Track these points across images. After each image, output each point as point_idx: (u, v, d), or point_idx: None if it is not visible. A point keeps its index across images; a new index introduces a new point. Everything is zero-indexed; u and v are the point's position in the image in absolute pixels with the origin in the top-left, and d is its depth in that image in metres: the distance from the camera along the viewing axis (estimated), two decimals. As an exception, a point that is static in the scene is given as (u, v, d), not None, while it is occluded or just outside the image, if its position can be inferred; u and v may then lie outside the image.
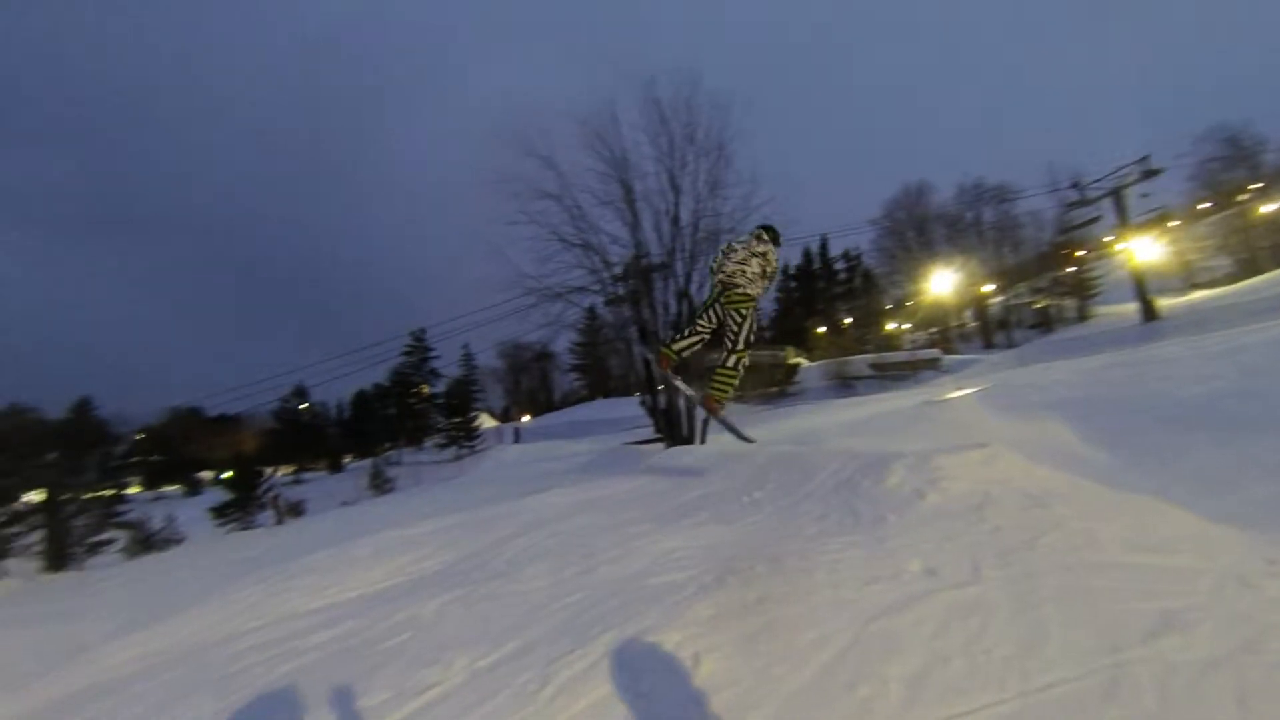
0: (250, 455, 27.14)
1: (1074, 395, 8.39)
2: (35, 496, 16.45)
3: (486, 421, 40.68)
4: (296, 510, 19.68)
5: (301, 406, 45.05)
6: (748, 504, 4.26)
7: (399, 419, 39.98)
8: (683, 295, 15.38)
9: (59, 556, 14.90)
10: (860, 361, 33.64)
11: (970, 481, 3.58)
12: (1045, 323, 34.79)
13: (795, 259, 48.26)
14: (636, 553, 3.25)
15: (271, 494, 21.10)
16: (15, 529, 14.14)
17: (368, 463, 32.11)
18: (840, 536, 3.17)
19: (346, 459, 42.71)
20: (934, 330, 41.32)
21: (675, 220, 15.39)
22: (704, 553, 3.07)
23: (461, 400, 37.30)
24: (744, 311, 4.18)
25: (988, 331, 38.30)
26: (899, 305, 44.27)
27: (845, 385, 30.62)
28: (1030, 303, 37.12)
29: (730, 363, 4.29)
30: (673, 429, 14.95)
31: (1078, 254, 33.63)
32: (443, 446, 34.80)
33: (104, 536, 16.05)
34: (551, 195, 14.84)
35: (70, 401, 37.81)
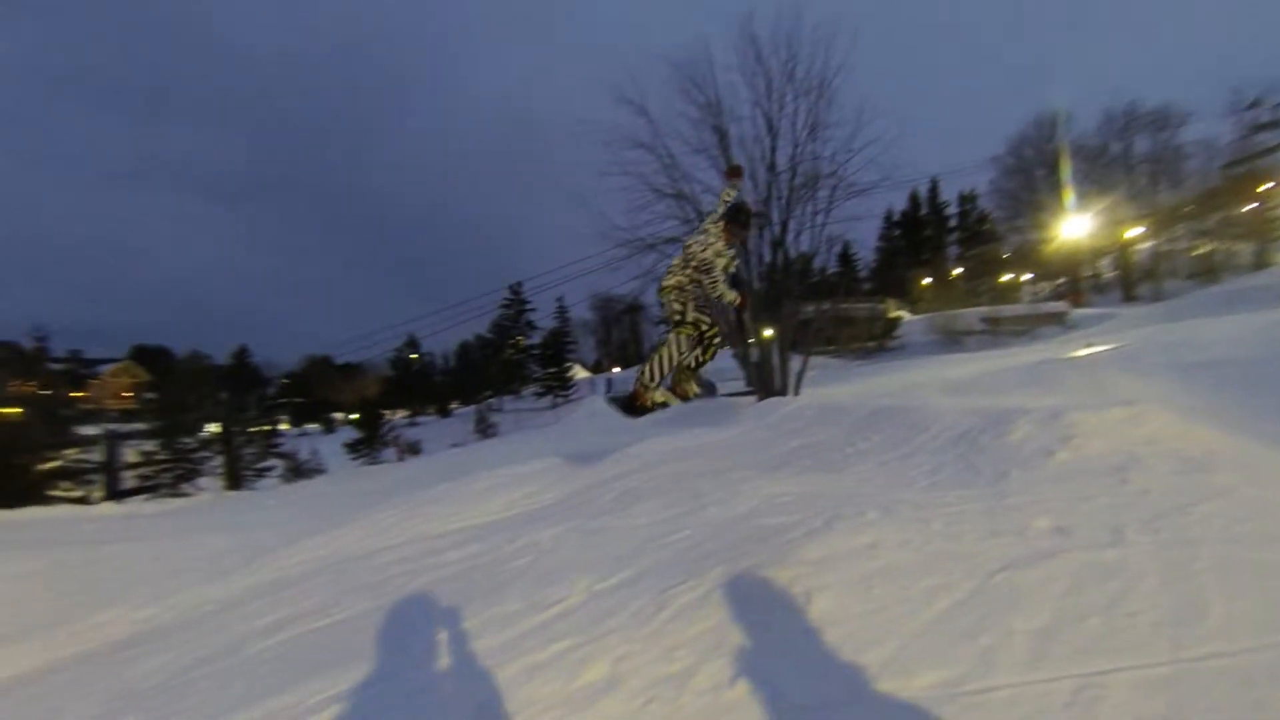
0: (373, 399, 30.20)
1: (1243, 355, 7.27)
2: (213, 428, 19.49)
3: (579, 373, 42.26)
4: (414, 449, 21.82)
5: (413, 356, 49.13)
6: (852, 455, 4.17)
7: (499, 369, 42.46)
8: (778, 245, 14.82)
9: (234, 478, 17.73)
10: (971, 315, 30.93)
11: (1110, 440, 3.27)
12: (1208, 271, 29.82)
13: (900, 204, 44.65)
14: (741, 496, 3.31)
15: (393, 434, 23.56)
16: (203, 454, 16.92)
17: (472, 409, 34.70)
18: (957, 490, 3.05)
19: (453, 405, 46.33)
20: (1062, 281, 36.88)
21: (771, 166, 14.67)
22: (810, 499, 3.07)
23: (556, 351, 38.86)
24: (663, 301, 4.00)
25: (1130, 282, 33.55)
26: (1020, 253, 39.82)
27: (952, 341, 28.40)
28: (1189, 248, 31.89)
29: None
30: (765, 381, 14.75)
31: (1261, 188, 28.16)
32: (539, 395, 36.71)
33: (266, 464, 18.79)
34: (643, 144, 14.59)
35: (231, 349, 43.81)
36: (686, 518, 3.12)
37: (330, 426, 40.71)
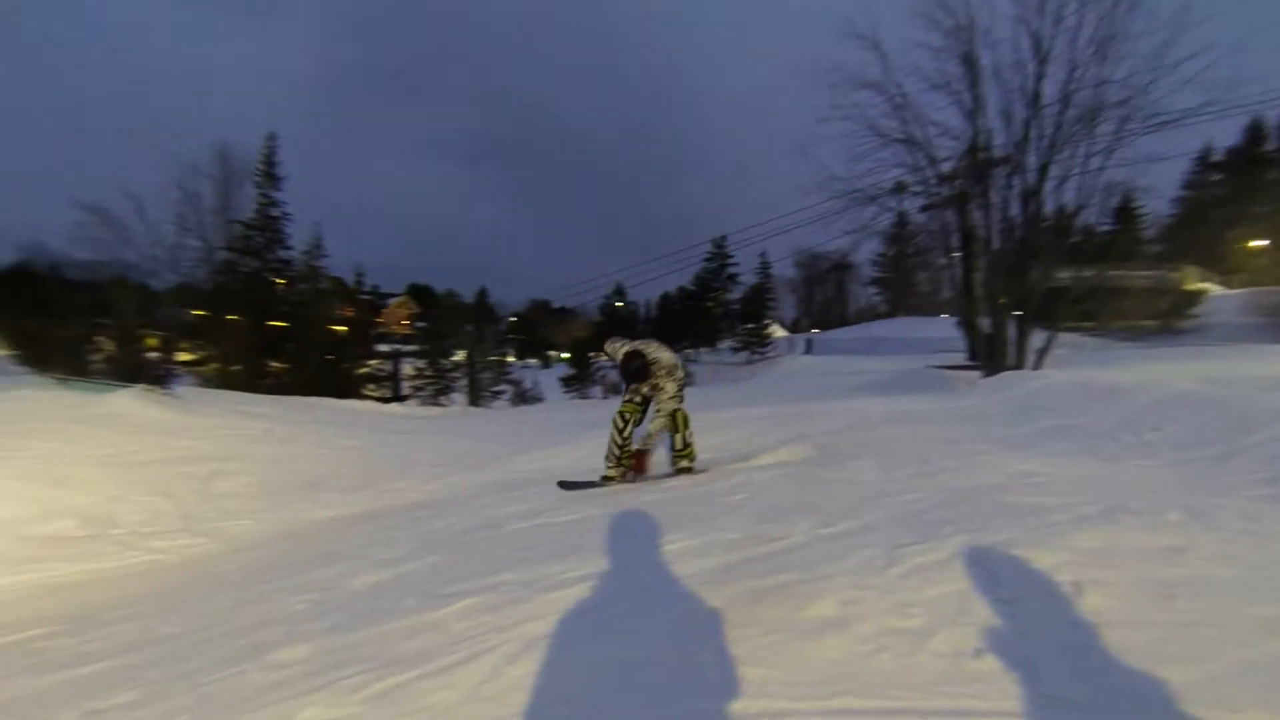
0: (583, 341, 33.51)
1: None
2: (460, 355, 23.63)
3: (777, 331, 41.33)
4: (618, 390, 23.77)
5: (618, 304, 52.89)
6: (1133, 445, 3.42)
7: (698, 321, 43.43)
8: (1031, 195, 12.35)
9: (475, 396, 21.48)
10: (1333, 294, 22.33)
11: None
12: None
13: (1227, 140, 33.03)
14: (980, 468, 2.96)
15: (600, 373, 26.02)
16: (454, 374, 20.83)
17: (669, 358, 36.42)
18: (1315, 507, 2.31)
19: (652, 353, 49.11)
20: None
21: (1034, 99, 12.06)
22: (1076, 483, 2.61)
23: (756, 308, 38.37)
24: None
25: None
26: None
27: (1291, 326, 20.96)
28: None
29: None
30: (996, 355, 12.75)
31: None
32: (736, 350, 36.83)
33: (499, 388, 22.35)
34: (872, 84, 13.04)
35: (474, 289, 51.95)
36: (914, 480, 2.89)
37: (547, 362, 46.25)
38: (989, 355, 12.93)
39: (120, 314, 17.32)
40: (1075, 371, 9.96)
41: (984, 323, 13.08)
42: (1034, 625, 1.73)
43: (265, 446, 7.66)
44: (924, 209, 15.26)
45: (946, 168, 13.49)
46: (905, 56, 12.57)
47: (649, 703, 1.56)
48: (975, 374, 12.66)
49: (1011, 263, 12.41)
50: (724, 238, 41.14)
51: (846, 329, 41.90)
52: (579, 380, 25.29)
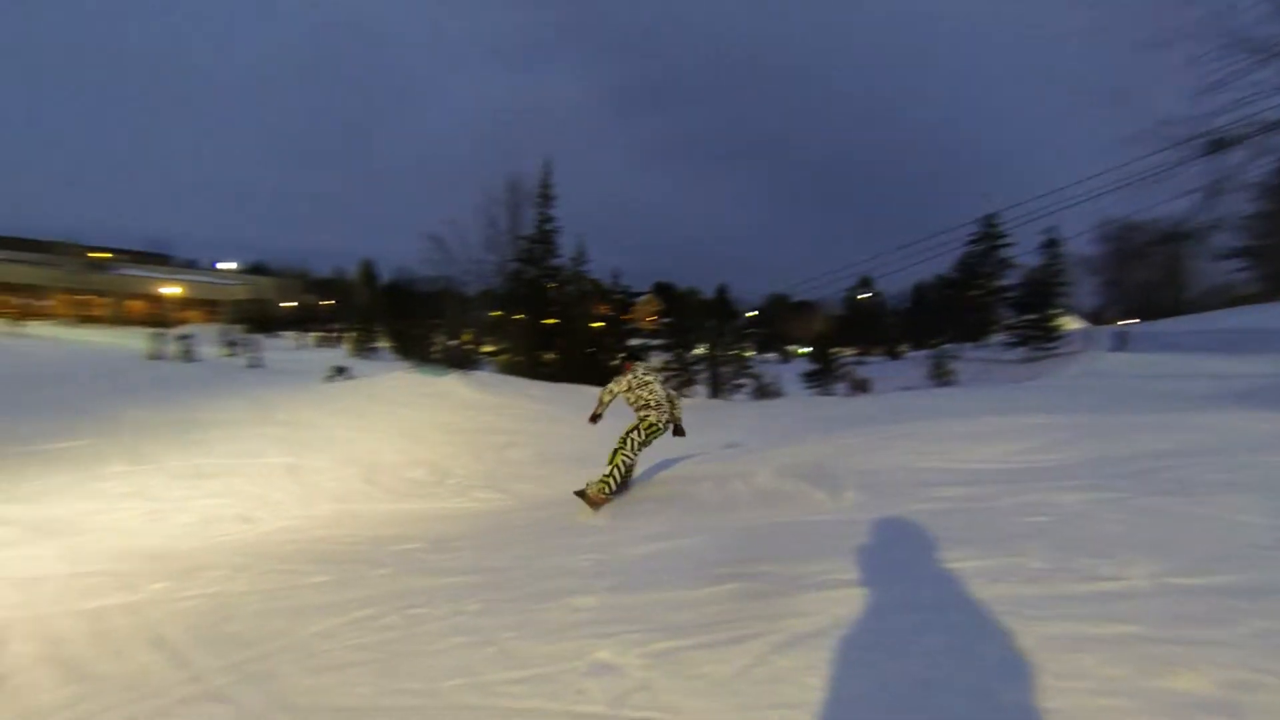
0: (825, 335, 31.92)
1: None
2: (701, 350, 24.67)
3: (1070, 322, 33.31)
4: (864, 387, 21.98)
5: (864, 296, 48.89)
6: None
7: (960, 312, 37.51)
8: None
9: (716, 389, 22.23)
10: None
11: None
12: None
13: None
14: None
15: (846, 369, 24.49)
16: (696, 368, 21.87)
17: (922, 353, 32.33)
18: None
19: (902, 348, 44.27)
20: None
21: None
22: None
23: (1039, 295, 31.41)
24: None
25: None
26: None
27: None
28: None
29: None
30: None
31: None
32: (1011, 345, 30.78)
33: (739, 381, 22.72)
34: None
35: (715, 285, 53.74)
36: (1344, 533, 2.02)
37: (786, 357, 45.29)
38: None
39: (448, 316, 22.67)
40: None
41: None
42: None
43: (541, 424, 9.13)
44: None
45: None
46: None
47: (942, 735, 1.40)
48: None
49: None
50: (995, 215, 34.56)
51: (1182, 318, 31.64)
52: (821, 376, 24.10)
